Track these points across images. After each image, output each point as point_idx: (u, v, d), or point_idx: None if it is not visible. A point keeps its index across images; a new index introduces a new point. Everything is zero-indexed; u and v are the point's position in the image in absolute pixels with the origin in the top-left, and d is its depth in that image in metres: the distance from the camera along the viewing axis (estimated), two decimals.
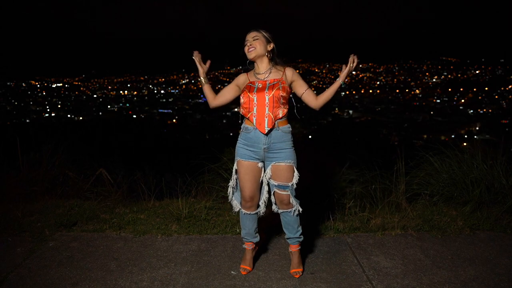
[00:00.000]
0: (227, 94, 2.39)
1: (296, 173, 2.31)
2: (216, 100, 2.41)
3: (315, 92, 2.33)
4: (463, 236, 2.93)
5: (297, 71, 2.36)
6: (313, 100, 2.29)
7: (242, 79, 2.37)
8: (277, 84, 2.26)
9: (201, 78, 2.40)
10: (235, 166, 2.38)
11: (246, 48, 2.31)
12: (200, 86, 2.43)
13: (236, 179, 2.41)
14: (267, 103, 2.23)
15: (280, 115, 2.25)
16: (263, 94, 2.24)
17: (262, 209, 2.40)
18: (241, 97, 2.33)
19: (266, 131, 2.22)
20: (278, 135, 2.26)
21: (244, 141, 2.31)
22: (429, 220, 3.07)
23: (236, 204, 2.45)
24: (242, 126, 2.35)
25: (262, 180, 2.36)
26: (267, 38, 2.31)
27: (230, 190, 2.46)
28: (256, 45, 2.27)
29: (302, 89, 2.30)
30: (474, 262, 2.54)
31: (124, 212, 3.31)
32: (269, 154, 2.28)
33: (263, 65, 2.33)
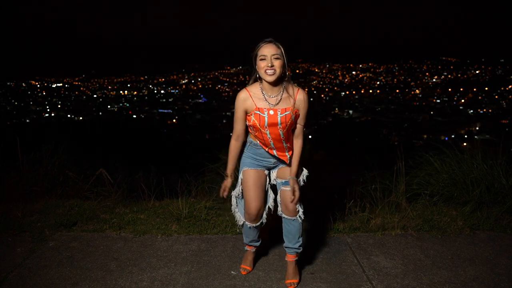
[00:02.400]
0: (244, 126, 2.18)
1: (304, 171, 2.29)
2: (242, 139, 2.24)
3: (305, 130, 2.24)
4: (463, 236, 2.93)
5: (308, 98, 2.17)
6: (296, 136, 2.21)
7: (247, 103, 2.10)
8: (289, 115, 2.08)
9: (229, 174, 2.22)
10: (240, 176, 2.26)
11: (262, 65, 2.02)
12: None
13: (241, 190, 2.29)
14: (282, 138, 2.12)
15: (292, 138, 2.21)
16: (276, 130, 2.08)
17: (264, 219, 2.32)
18: (250, 127, 2.14)
19: (288, 160, 2.20)
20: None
21: (253, 155, 2.23)
22: (429, 220, 3.07)
23: (239, 217, 2.36)
24: (250, 140, 2.24)
25: (267, 188, 2.31)
26: (285, 58, 2.05)
27: (234, 200, 2.35)
28: (276, 68, 2.00)
29: (298, 121, 2.17)
30: (474, 262, 2.54)
31: (124, 212, 3.31)
32: (276, 163, 2.29)
33: (275, 88, 2.09)
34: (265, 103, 2.09)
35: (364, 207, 3.32)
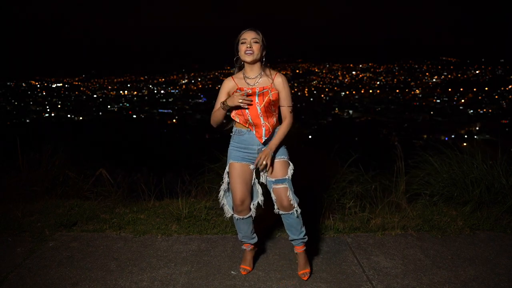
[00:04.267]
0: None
1: (291, 166, 2.33)
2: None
3: (291, 112, 2.31)
4: (463, 236, 2.93)
5: (287, 80, 2.31)
6: (283, 118, 2.31)
7: (230, 85, 2.31)
8: (267, 92, 2.24)
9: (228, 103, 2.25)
10: (227, 169, 2.36)
11: (243, 48, 2.24)
12: (223, 109, 2.27)
13: (227, 182, 2.39)
14: (260, 113, 2.24)
15: (274, 122, 2.29)
16: (253, 103, 2.23)
17: (253, 212, 2.37)
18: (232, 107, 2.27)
19: (264, 140, 2.26)
20: (271, 136, 2.30)
21: (237, 144, 2.32)
22: (429, 220, 3.07)
23: (227, 209, 2.44)
24: (234, 129, 2.36)
25: (253, 183, 2.36)
26: (264, 43, 2.26)
27: (221, 193, 2.45)
28: (254, 49, 2.22)
29: (281, 103, 2.29)
30: (474, 262, 2.54)
31: (124, 212, 3.31)
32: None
33: (254, 70, 2.29)
34: (245, 83, 2.29)
35: (364, 207, 3.32)
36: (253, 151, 2.30)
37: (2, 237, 2.87)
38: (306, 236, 2.40)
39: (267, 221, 2.97)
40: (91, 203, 3.42)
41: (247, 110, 2.24)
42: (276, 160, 2.30)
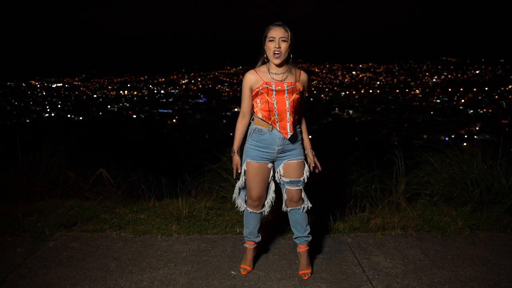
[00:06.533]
0: (249, 104, 2.27)
1: (306, 168, 2.34)
2: (248, 117, 2.31)
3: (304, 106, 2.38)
4: (463, 236, 2.93)
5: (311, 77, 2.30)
6: (300, 116, 2.36)
7: (253, 79, 2.21)
8: (295, 88, 2.20)
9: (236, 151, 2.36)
10: (244, 167, 2.31)
11: (271, 47, 2.15)
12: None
13: (244, 180, 2.35)
14: (287, 108, 2.18)
15: (297, 118, 2.27)
16: (283, 99, 2.17)
17: (266, 209, 2.41)
18: (258, 100, 2.22)
19: (289, 136, 2.21)
20: (292, 136, 2.26)
21: (256, 143, 2.26)
22: (429, 220, 3.07)
23: (240, 203, 2.44)
24: (253, 127, 2.28)
25: (269, 181, 2.37)
26: (292, 41, 2.17)
27: (236, 190, 2.43)
28: (282, 50, 2.14)
29: (300, 101, 2.30)
30: (474, 262, 2.54)
31: (124, 212, 3.31)
32: (281, 154, 2.29)
33: (280, 68, 2.22)
34: (271, 78, 2.22)
35: (364, 207, 3.32)
36: (273, 150, 2.26)
37: (2, 237, 2.87)
38: (310, 235, 2.41)
39: (268, 221, 2.97)
40: (91, 203, 3.41)
41: (275, 105, 2.17)
42: (294, 161, 2.29)
